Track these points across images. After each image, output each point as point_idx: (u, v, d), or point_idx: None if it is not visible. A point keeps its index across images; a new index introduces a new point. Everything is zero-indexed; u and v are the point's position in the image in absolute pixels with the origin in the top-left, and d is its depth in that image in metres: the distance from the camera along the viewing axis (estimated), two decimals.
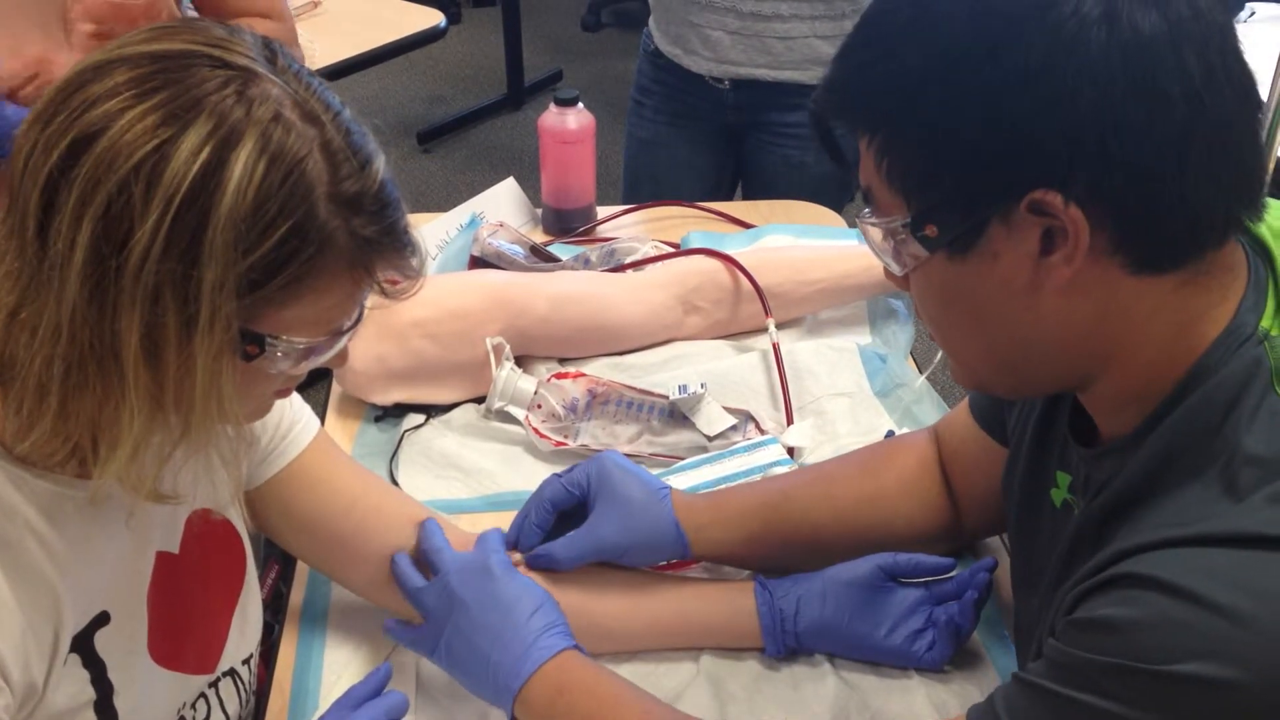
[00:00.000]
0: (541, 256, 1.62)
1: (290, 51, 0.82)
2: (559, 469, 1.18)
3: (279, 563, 1.33)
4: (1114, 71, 0.70)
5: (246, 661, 1.07)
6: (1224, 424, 0.75)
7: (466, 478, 1.36)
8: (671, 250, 1.65)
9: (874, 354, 1.52)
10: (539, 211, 1.82)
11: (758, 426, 1.38)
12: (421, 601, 1.06)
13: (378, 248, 0.82)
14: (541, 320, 1.46)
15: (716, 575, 1.21)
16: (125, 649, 0.93)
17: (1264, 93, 1.85)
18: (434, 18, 3.04)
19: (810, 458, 1.35)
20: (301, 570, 1.22)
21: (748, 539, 1.16)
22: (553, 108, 1.72)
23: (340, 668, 1.13)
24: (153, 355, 0.76)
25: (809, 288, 1.56)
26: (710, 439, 1.36)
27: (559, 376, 1.40)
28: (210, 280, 0.74)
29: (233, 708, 1.06)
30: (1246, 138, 0.75)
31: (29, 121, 0.76)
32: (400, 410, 1.44)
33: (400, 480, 1.35)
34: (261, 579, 1.15)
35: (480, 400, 1.43)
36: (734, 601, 1.13)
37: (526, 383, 1.40)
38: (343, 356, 0.89)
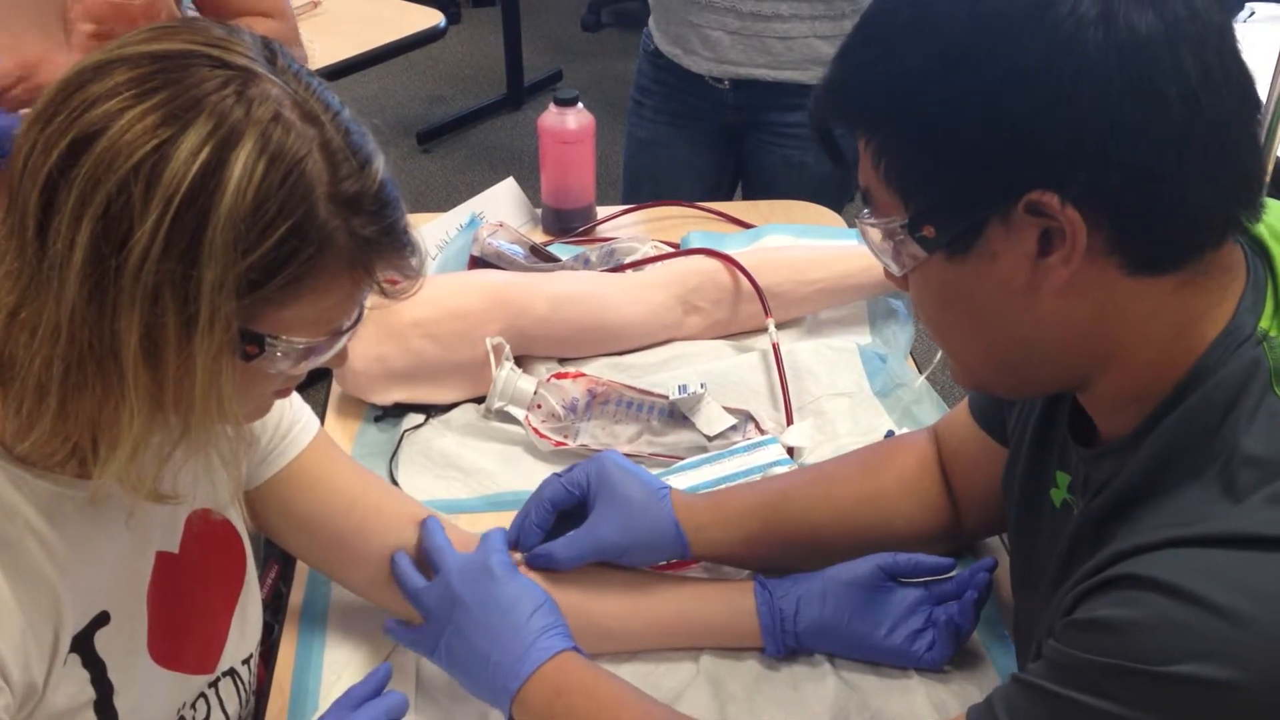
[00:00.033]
0: (541, 256, 1.62)
1: (292, 51, 0.82)
2: (559, 469, 1.18)
3: (279, 563, 1.33)
4: (1110, 72, 0.70)
5: (246, 661, 1.07)
6: (1223, 424, 0.75)
7: (466, 478, 1.36)
8: (671, 250, 1.65)
9: (874, 354, 1.52)
10: (539, 211, 1.82)
11: (757, 426, 1.38)
12: (422, 601, 1.06)
13: (377, 248, 0.82)
14: (541, 320, 1.46)
15: (716, 575, 1.21)
16: (125, 649, 0.94)
17: (1263, 93, 1.85)
18: (434, 18, 3.04)
19: (810, 458, 1.35)
20: (301, 570, 1.22)
21: (747, 539, 1.16)
22: (552, 108, 1.71)
23: (340, 668, 1.13)
24: (152, 355, 0.76)
25: (809, 288, 1.56)
26: (710, 439, 1.36)
27: (559, 376, 1.40)
28: (210, 280, 0.74)
29: (232, 708, 1.06)
30: (1245, 138, 0.75)
31: (29, 121, 0.76)
32: (400, 410, 1.43)
33: (400, 480, 1.35)
34: (261, 579, 1.15)
35: (480, 400, 1.43)
36: (734, 601, 1.13)
37: (526, 383, 1.40)
38: (342, 356, 0.89)
